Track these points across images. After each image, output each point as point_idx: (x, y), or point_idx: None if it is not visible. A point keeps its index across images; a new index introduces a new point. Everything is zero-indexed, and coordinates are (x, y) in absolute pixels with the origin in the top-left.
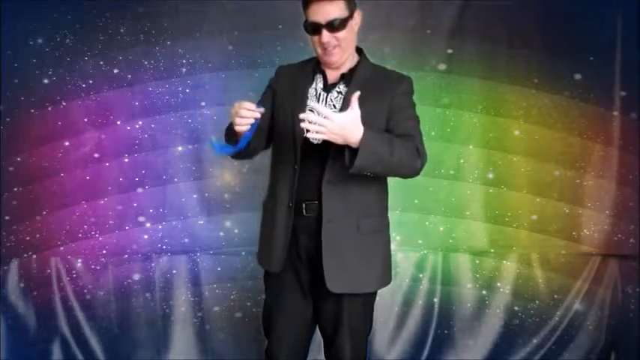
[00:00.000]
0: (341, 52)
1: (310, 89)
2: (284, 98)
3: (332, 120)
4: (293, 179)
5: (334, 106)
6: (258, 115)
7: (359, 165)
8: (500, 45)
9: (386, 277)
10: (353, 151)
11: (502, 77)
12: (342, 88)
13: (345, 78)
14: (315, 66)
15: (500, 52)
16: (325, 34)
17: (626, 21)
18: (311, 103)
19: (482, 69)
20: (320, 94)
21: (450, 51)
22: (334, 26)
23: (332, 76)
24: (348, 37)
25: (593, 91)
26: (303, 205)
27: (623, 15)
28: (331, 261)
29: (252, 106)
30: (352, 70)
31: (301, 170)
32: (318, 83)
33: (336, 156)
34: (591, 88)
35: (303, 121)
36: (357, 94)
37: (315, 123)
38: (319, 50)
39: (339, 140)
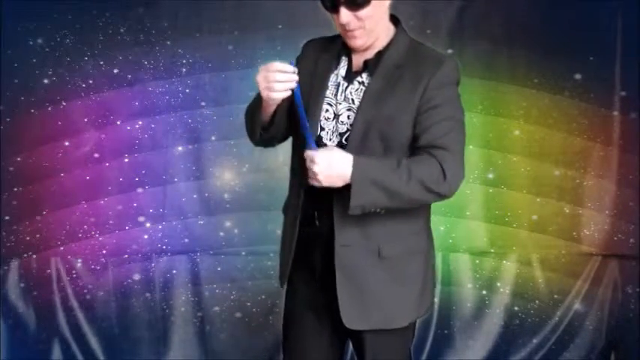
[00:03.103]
0: (365, 34)
1: (332, 75)
2: (303, 85)
3: (317, 162)
4: (300, 187)
5: (353, 100)
6: (296, 77)
7: (357, 203)
8: (500, 45)
9: (422, 306)
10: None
11: (502, 77)
12: (364, 77)
13: (368, 66)
14: (343, 46)
15: (501, 52)
16: (344, 13)
17: (626, 21)
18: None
19: (482, 69)
20: (340, 83)
21: (450, 51)
22: (355, 3)
23: (357, 61)
24: (374, 15)
25: (593, 91)
26: (312, 218)
27: (623, 15)
28: (346, 292)
29: (285, 66)
30: (381, 53)
31: None
32: (341, 69)
33: None
34: (591, 88)
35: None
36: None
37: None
38: (341, 31)
39: (338, 182)
